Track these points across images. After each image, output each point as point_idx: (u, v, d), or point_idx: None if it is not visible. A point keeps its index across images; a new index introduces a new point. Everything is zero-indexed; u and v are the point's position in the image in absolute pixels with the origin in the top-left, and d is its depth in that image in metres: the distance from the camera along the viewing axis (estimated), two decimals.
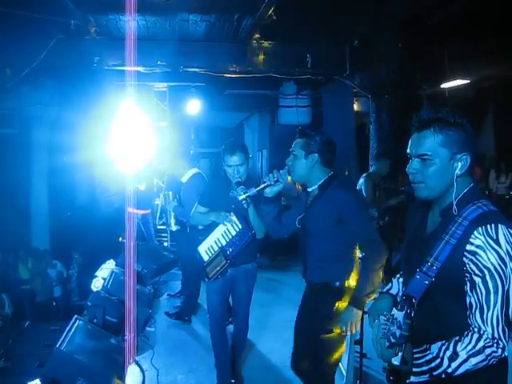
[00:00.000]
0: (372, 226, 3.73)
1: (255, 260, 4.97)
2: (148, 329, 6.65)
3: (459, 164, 2.23)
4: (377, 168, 8.19)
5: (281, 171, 3.74)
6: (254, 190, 3.78)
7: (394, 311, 2.36)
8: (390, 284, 2.75)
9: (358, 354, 4.98)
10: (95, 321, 5.81)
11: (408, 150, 2.35)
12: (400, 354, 2.16)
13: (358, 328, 3.73)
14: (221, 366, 5.05)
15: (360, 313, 3.63)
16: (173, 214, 7.08)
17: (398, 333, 2.19)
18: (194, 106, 12.06)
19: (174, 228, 7.23)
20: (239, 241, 4.69)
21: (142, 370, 5.40)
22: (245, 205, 4.28)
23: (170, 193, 6.98)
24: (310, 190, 3.82)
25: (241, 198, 4.08)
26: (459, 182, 2.25)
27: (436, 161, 2.24)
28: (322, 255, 3.72)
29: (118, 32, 8.74)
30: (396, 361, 2.17)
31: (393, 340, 2.21)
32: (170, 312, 7.28)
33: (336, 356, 3.84)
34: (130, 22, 8.25)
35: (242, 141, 10.78)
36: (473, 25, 8.62)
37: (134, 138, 8.95)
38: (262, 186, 3.79)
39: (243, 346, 5.28)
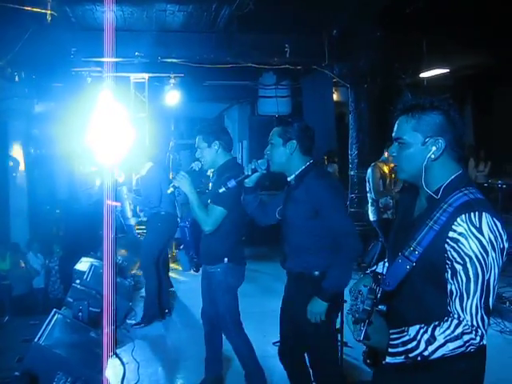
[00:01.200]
0: (347, 220, 3.67)
1: (219, 263, 4.44)
2: (128, 321, 6.63)
3: (433, 148, 2.23)
4: (384, 157, 8.07)
5: (259, 161, 3.70)
6: (233, 182, 3.75)
7: (362, 288, 2.40)
8: (375, 266, 2.75)
9: (339, 343, 4.99)
10: (80, 314, 5.81)
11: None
12: (363, 329, 2.17)
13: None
14: (212, 359, 4.97)
15: (326, 305, 3.56)
16: (131, 206, 7.05)
17: (361, 308, 2.22)
18: (173, 97, 11.97)
19: (132, 221, 7.18)
20: (183, 233, 4.77)
21: (123, 363, 5.39)
22: None
23: (124, 187, 6.93)
24: (289, 179, 3.79)
25: (221, 190, 4.03)
26: (438, 167, 2.25)
27: (409, 145, 2.27)
28: (300, 245, 3.69)
29: (95, 23, 8.67)
30: (359, 337, 2.19)
31: (356, 315, 2.24)
32: (136, 322, 6.74)
33: (331, 344, 3.88)
34: (107, 13, 8.18)
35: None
36: (451, 14, 8.64)
37: (112, 130, 8.92)
38: (241, 177, 3.76)
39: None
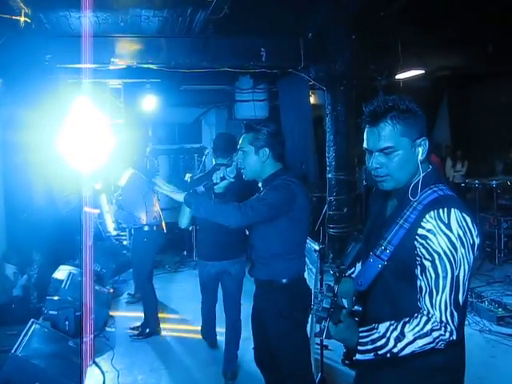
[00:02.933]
0: (263, 201, 3.50)
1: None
2: (108, 329, 6.58)
3: (420, 149, 2.24)
4: None
5: (228, 169, 3.68)
6: (201, 189, 3.74)
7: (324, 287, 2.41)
8: (353, 268, 2.76)
9: (319, 346, 5.00)
10: (67, 323, 5.77)
11: (365, 146, 2.31)
12: (324, 327, 2.21)
13: None
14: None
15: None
16: (112, 219, 6.84)
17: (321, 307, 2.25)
18: (150, 103, 11.95)
19: (113, 232, 7.00)
20: None
21: (102, 372, 5.37)
22: None
23: (103, 196, 6.76)
24: (260, 185, 3.76)
25: (187, 178, 4.04)
26: (420, 167, 2.25)
27: (399, 152, 2.23)
28: (265, 252, 3.65)
29: (70, 29, 8.58)
30: (321, 335, 2.23)
31: (318, 314, 2.26)
32: (133, 335, 6.65)
33: (304, 354, 3.84)
34: (82, 19, 8.13)
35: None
36: (425, 16, 8.70)
37: (89, 136, 8.86)
38: (210, 184, 3.75)
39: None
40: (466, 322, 6.29)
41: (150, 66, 9.31)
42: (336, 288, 2.35)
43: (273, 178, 3.63)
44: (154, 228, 6.52)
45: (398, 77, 10.80)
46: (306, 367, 3.91)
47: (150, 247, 6.66)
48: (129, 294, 8.18)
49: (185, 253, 10.15)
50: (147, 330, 6.53)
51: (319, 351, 4.98)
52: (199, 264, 5.64)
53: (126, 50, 8.85)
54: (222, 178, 3.66)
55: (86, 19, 8.14)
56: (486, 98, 12.84)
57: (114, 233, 6.87)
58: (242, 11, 7.91)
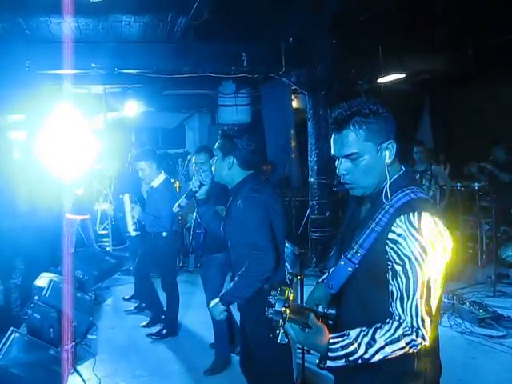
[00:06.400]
0: (259, 235, 3.51)
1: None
2: (90, 336, 6.53)
3: (387, 153, 2.22)
4: None
5: (203, 174, 3.70)
6: (184, 201, 3.74)
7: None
8: (326, 274, 2.74)
9: (300, 350, 5.00)
10: (51, 330, 5.71)
11: (332, 152, 2.31)
12: (279, 331, 2.22)
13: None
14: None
15: (223, 308, 3.62)
16: (132, 218, 6.75)
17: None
18: (132, 108, 11.94)
19: (133, 234, 6.93)
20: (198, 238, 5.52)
21: (83, 380, 5.33)
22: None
23: (127, 196, 6.66)
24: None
25: (175, 209, 4.08)
26: (389, 170, 2.23)
27: (365, 157, 2.22)
28: (242, 261, 3.58)
29: (50, 35, 8.56)
30: (282, 339, 2.25)
31: (271, 317, 2.26)
32: (154, 332, 6.72)
33: (285, 360, 3.79)
34: (62, 25, 8.10)
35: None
36: (405, 20, 8.76)
37: (70, 142, 8.83)
38: (190, 193, 3.75)
39: None
40: (448, 324, 6.42)
41: (132, 71, 9.30)
42: (290, 291, 2.31)
43: (239, 188, 3.65)
44: (171, 234, 6.54)
45: (379, 81, 10.84)
46: (287, 373, 3.89)
47: (172, 250, 6.77)
48: (125, 299, 8.13)
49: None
50: (164, 331, 6.60)
51: (301, 355, 4.99)
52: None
53: (107, 56, 8.82)
54: (200, 185, 3.67)
55: (67, 25, 8.12)
56: (467, 101, 12.89)
57: (134, 234, 6.79)
58: (222, 16, 7.94)
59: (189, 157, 8.99)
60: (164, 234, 6.40)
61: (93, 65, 8.86)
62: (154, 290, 7.09)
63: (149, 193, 6.80)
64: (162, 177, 6.52)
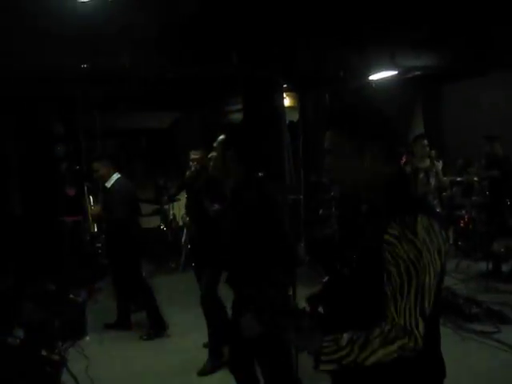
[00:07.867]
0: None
1: None
2: (83, 338, 6.52)
3: (370, 153, 2.21)
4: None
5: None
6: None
7: None
8: (321, 275, 2.74)
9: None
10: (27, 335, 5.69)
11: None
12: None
13: None
14: None
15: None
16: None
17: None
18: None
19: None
20: None
21: (77, 381, 5.31)
22: None
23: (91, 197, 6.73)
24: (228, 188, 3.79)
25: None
26: (377, 171, 2.22)
27: (345, 154, 2.22)
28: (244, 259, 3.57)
29: None
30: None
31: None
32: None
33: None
34: None
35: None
36: (397, 16, 8.73)
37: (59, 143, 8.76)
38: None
39: None
40: (440, 321, 6.39)
41: None
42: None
43: (244, 187, 3.64)
44: None
45: (370, 78, 10.82)
46: (287, 371, 3.87)
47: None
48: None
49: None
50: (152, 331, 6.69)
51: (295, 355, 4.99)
52: None
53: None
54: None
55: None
56: (459, 98, 12.93)
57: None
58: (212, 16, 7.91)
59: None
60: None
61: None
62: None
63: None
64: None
